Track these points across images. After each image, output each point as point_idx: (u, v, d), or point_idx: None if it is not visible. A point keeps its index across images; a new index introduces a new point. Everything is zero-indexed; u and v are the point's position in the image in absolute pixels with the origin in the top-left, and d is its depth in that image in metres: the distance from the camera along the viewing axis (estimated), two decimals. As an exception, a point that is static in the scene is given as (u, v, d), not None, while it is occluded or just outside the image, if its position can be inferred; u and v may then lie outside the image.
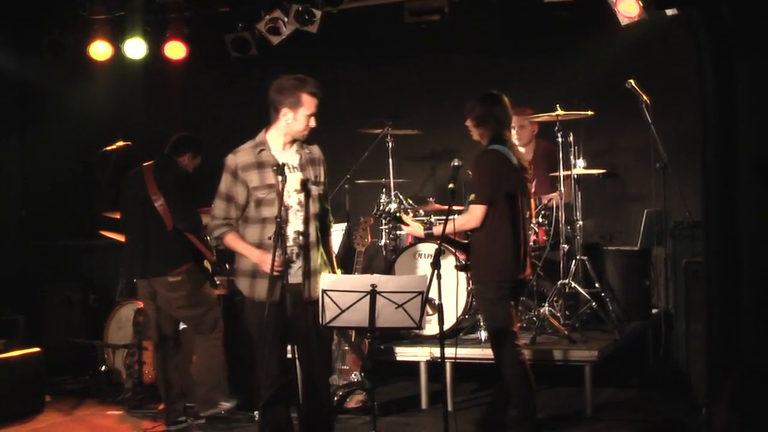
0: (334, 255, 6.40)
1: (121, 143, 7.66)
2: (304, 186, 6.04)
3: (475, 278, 6.70)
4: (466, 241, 6.61)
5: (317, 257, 6.11)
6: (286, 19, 8.85)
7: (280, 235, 5.78)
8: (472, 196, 6.40)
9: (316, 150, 6.22)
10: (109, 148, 7.94)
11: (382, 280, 5.82)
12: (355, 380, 7.48)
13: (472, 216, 6.40)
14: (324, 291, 5.76)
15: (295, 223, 6.02)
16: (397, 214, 7.10)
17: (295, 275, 5.99)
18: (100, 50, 9.14)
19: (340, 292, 5.77)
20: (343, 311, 5.80)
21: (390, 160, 8.81)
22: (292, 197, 6.04)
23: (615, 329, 7.99)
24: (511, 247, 6.39)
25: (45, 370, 8.28)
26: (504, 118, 6.54)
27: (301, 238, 6.00)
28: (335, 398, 7.39)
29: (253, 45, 9.17)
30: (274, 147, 6.08)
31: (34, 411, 8.05)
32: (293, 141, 6.12)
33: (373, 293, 5.76)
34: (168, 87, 9.77)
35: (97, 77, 9.57)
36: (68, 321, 9.48)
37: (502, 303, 6.41)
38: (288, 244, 5.94)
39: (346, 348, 7.54)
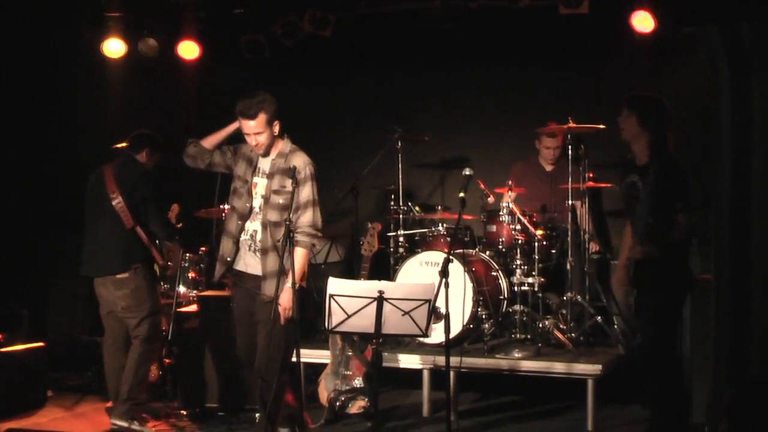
0: (293, 269, 6.27)
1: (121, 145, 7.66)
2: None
3: None
4: None
5: (272, 262, 6.39)
6: (300, 23, 8.84)
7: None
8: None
9: (296, 160, 6.45)
10: (118, 145, 7.92)
11: (389, 287, 5.85)
12: (358, 386, 7.46)
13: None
14: (331, 295, 5.77)
15: (254, 223, 6.51)
16: None
17: (248, 267, 6.54)
18: (113, 48, 9.13)
19: (346, 297, 5.79)
20: (349, 316, 5.82)
21: (399, 166, 8.80)
22: (256, 200, 6.51)
23: (619, 344, 7.96)
24: None
25: (48, 365, 8.29)
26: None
27: (255, 237, 6.50)
28: (337, 403, 7.38)
29: (266, 47, 9.16)
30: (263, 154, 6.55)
31: (35, 406, 8.05)
32: (272, 148, 6.53)
33: (381, 299, 5.77)
34: (179, 86, 9.74)
35: (110, 75, 9.55)
36: (73, 316, 9.45)
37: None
38: (243, 238, 6.52)
39: (350, 354, 7.52)
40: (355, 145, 9.32)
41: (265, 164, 6.55)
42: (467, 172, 6.26)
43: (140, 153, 7.54)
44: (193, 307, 8.29)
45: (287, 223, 6.22)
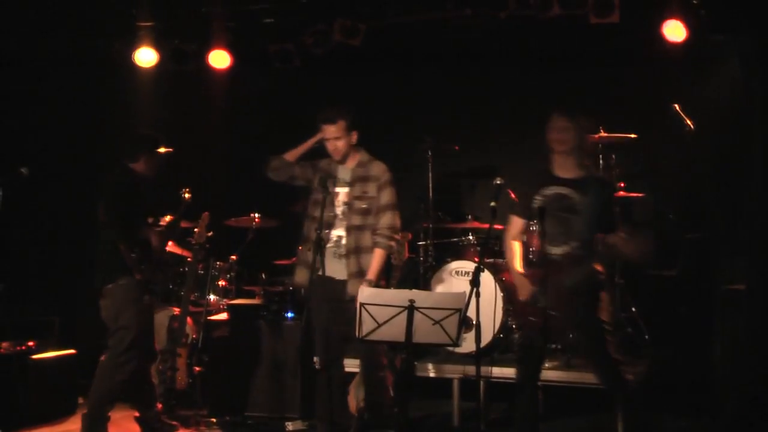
0: (372, 267, 6.80)
1: (163, 149, 7.66)
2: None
3: None
4: None
5: (355, 263, 6.83)
6: (330, 32, 8.86)
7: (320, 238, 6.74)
8: None
9: (375, 169, 6.94)
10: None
11: (420, 296, 5.87)
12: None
13: None
14: (362, 304, 5.79)
15: (338, 230, 6.91)
16: None
17: (335, 273, 6.86)
18: (145, 57, 9.18)
19: (378, 306, 5.80)
20: (380, 325, 5.83)
21: (429, 175, 8.80)
22: (339, 208, 6.93)
23: (649, 355, 7.91)
24: None
25: (78, 372, 8.32)
26: None
27: (340, 242, 6.90)
28: (365, 414, 7.37)
29: (296, 56, 9.18)
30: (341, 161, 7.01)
31: (66, 413, 8.11)
32: (350, 158, 7.00)
33: (411, 308, 5.78)
34: (210, 96, 9.77)
35: (141, 84, 9.59)
36: (102, 324, 9.48)
37: None
38: (329, 245, 6.86)
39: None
40: (385, 155, 9.25)
41: (344, 173, 7.02)
42: (498, 182, 6.26)
43: (136, 160, 7.41)
44: (223, 315, 8.32)
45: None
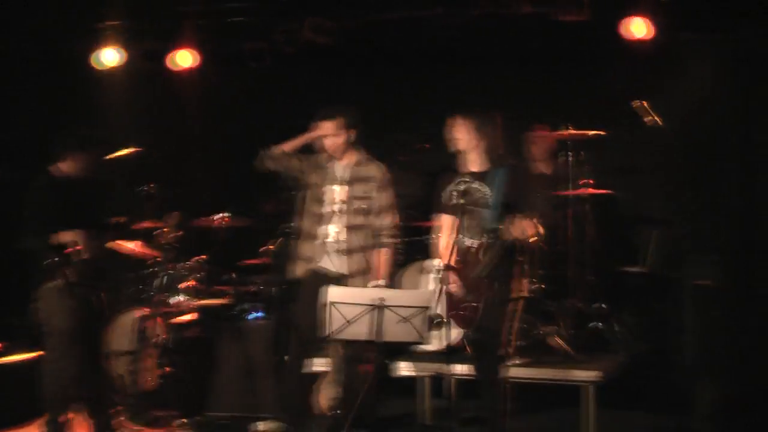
0: (378, 267, 6.92)
1: (130, 149, 7.63)
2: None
3: None
4: None
5: (357, 262, 6.89)
6: (300, 30, 8.82)
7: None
8: None
9: (374, 169, 6.98)
10: (118, 153, 7.91)
11: (389, 294, 5.86)
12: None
13: None
14: (331, 303, 5.77)
15: (336, 227, 6.94)
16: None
17: (334, 266, 6.93)
18: (110, 57, 9.10)
19: (346, 304, 5.79)
20: (349, 323, 5.81)
21: (398, 173, 8.76)
22: (336, 205, 6.95)
23: (621, 350, 7.94)
24: None
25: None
26: None
27: (340, 239, 6.92)
28: (336, 412, 7.35)
29: (268, 55, 9.14)
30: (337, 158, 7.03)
31: (31, 416, 8.00)
32: (347, 156, 7.02)
33: (380, 307, 5.76)
34: (180, 95, 9.71)
35: (107, 84, 9.51)
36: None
37: None
38: (328, 240, 6.93)
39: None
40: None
41: (341, 171, 7.04)
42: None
43: (62, 160, 7.31)
44: (193, 316, 8.27)
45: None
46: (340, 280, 6.84)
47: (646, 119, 7.91)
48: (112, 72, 9.23)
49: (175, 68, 9.20)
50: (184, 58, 9.08)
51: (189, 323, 8.26)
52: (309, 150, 7.12)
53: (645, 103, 7.99)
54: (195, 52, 9.09)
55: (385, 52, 9.60)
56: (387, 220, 6.99)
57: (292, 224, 7.25)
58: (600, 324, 8.05)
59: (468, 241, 6.39)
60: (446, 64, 9.50)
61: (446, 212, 6.60)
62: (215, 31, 9.18)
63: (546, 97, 9.17)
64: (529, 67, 9.27)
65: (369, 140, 9.00)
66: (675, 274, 8.36)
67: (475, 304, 6.25)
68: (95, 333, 7.49)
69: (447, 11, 8.62)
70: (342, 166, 7.06)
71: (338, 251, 6.94)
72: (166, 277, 8.26)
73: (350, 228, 6.94)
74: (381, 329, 5.82)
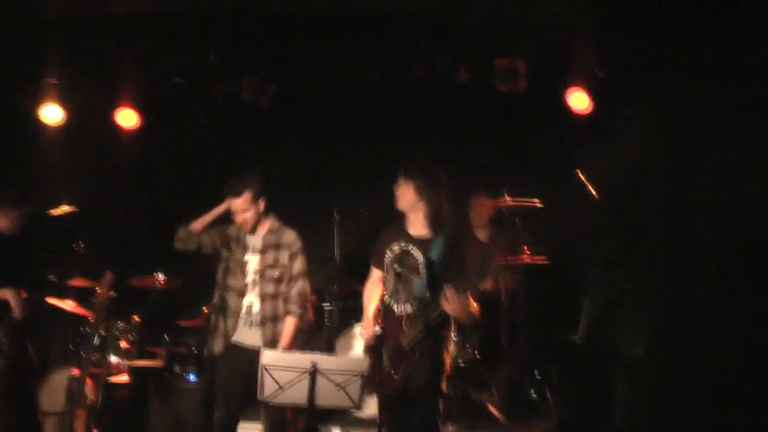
0: (285, 335, 6.78)
1: (66, 208, 7.56)
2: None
3: None
4: None
5: (271, 331, 6.78)
6: (238, 91, 8.85)
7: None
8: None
9: (286, 237, 6.89)
10: (54, 211, 7.84)
11: (322, 359, 5.82)
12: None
13: None
14: (264, 367, 5.73)
15: (249, 297, 6.85)
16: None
17: (246, 340, 6.81)
18: (52, 114, 9.02)
19: (280, 369, 5.75)
20: (282, 388, 5.77)
21: (336, 239, 8.78)
22: (249, 275, 6.86)
23: (552, 417, 7.97)
24: None
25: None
26: None
27: (252, 310, 6.83)
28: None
29: (205, 114, 9.15)
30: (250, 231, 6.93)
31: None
32: (260, 225, 6.92)
33: (314, 372, 5.74)
34: (120, 154, 9.64)
35: (49, 141, 9.41)
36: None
37: None
38: (241, 313, 6.83)
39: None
40: (291, 216, 9.27)
41: (254, 241, 6.94)
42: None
43: None
44: (125, 377, 8.16)
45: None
46: (256, 352, 6.51)
47: (589, 189, 8.02)
48: (53, 128, 9.13)
49: (116, 127, 9.13)
50: (126, 118, 9.03)
51: (121, 384, 8.14)
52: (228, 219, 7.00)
53: (580, 173, 8.11)
54: (136, 112, 9.03)
55: (323, 114, 9.63)
56: (296, 288, 6.85)
57: (212, 298, 7.03)
58: (533, 391, 8.07)
59: (395, 306, 6.28)
60: (383, 128, 9.55)
61: (379, 268, 6.50)
62: (155, 89, 9.15)
63: (486, 164, 9.25)
64: (468, 134, 9.35)
65: (299, 204, 9.09)
66: (607, 343, 8.43)
67: (394, 375, 6.13)
68: (29, 391, 7.36)
69: (385, 77, 8.69)
70: (255, 236, 6.96)
71: (253, 323, 6.84)
72: (98, 338, 8.15)
73: (263, 297, 6.84)
74: (314, 394, 5.77)
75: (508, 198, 8.22)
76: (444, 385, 6.28)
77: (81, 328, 8.27)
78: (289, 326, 6.78)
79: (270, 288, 6.83)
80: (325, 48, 8.59)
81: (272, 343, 6.73)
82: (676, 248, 7.70)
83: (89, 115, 9.16)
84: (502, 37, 8.22)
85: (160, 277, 8.55)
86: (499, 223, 8.55)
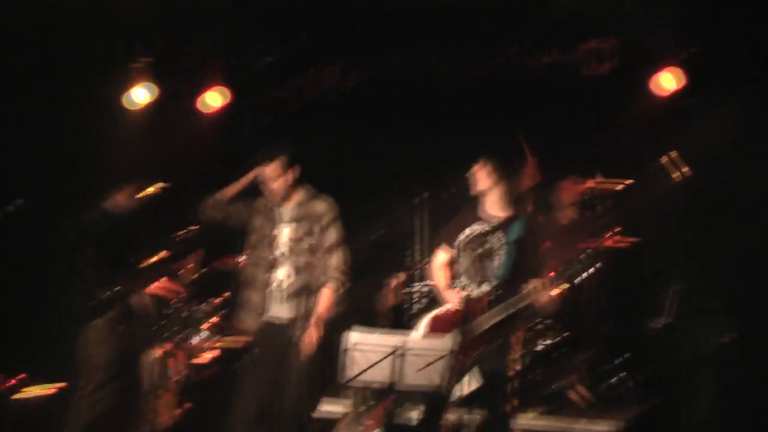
0: (321, 306, 6.54)
1: (156, 187, 7.63)
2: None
3: None
4: None
5: (302, 305, 6.51)
6: (324, 77, 8.86)
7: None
8: None
9: (319, 206, 6.63)
10: (148, 190, 7.93)
11: (408, 340, 5.78)
12: (376, 437, 7.37)
13: None
14: (351, 346, 5.72)
15: (281, 271, 6.59)
16: None
17: (278, 316, 6.57)
18: (140, 96, 9.15)
19: (366, 349, 5.73)
20: (367, 369, 5.75)
21: (420, 220, 8.77)
22: (282, 248, 6.60)
23: (637, 404, 7.89)
24: None
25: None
26: None
27: (283, 285, 6.56)
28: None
29: (295, 98, 9.18)
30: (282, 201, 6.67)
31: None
32: (292, 196, 6.66)
33: (399, 352, 5.71)
34: (206, 136, 9.74)
35: (136, 123, 9.55)
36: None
37: None
38: (272, 288, 6.58)
39: (366, 407, 7.43)
40: (374, 199, 9.27)
41: (285, 212, 6.68)
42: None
43: (110, 197, 7.44)
44: (210, 356, 8.25)
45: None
46: (288, 326, 6.56)
47: (674, 173, 7.90)
48: (142, 110, 9.26)
49: (204, 109, 9.23)
50: (214, 99, 9.11)
51: (205, 364, 8.24)
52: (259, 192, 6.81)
53: (673, 156, 7.98)
54: (224, 93, 9.11)
55: (409, 102, 9.60)
56: (334, 259, 6.59)
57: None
58: (615, 378, 7.98)
59: (469, 288, 6.25)
60: (471, 113, 9.49)
61: (449, 251, 6.41)
62: (244, 72, 9.22)
63: (571, 146, 9.15)
64: (555, 117, 9.25)
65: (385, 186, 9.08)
66: (693, 329, 8.31)
67: (463, 359, 6.06)
68: (134, 369, 7.50)
69: (471, 60, 8.63)
70: (287, 207, 6.70)
71: (284, 297, 6.60)
72: (182, 318, 8.26)
73: (296, 270, 6.59)
74: (401, 375, 5.76)
75: (593, 181, 8.12)
76: (511, 372, 6.25)
77: (165, 309, 8.40)
78: (324, 298, 6.56)
79: (303, 259, 6.60)
80: (410, 34, 8.56)
81: (304, 316, 6.51)
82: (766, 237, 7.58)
83: (178, 97, 9.25)
84: (589, 18, 8.13)
85: (243, 258, 8.59)
86: (583, 205, 8.44)
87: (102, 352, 7.17)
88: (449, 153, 9.60)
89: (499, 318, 6.07)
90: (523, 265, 6.08)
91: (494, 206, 6.32)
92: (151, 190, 7.67)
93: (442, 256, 6.48)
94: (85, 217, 7.34)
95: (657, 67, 8.08)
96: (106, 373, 7.15)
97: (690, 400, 8.02)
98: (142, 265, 7.50)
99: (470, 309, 6.18)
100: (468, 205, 6.47)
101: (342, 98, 9.02)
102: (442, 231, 6.54)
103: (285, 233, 6.65)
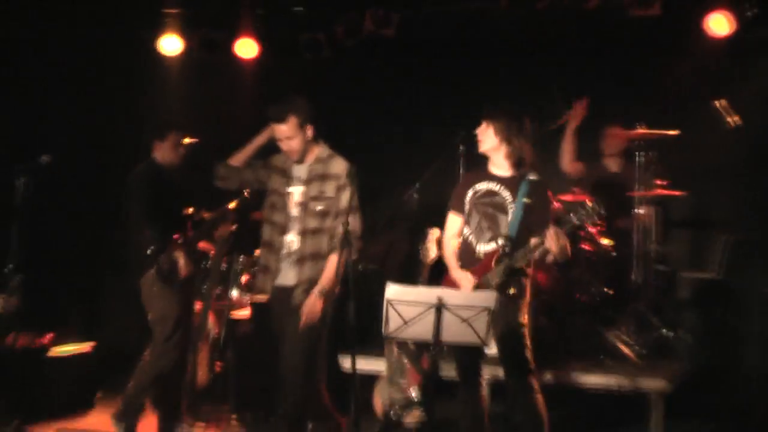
0: (325, 273, 6.33)
1: (188, 140, 7.50)
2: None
3: None
4: None
5: (308, 270, 6.32)
6: (362, 22, 8.69)
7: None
8: None
9: (334, 166, 6.35)
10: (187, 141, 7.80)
11: (449, 294, 5.65)
12: (414, 396, 7.22)
13: None
14: (389, 301, 5.59)
15: (291, 234, 6.40)
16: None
17: (287, 280, 6.38)
18: (170, 45, 9.03)
19: (405, 303, 5.60)
20: (406, 323, 5.63)
21: (461, 170, 8.56)
22: (294, 209, 6.39)
23: (685, 358, 7.70)
24: None
25: (98, 367, 8.27)
26: None
27: (292, 248, 6.38)
28: (392, 413, 7.15)
29: (326, 46, 9.00)
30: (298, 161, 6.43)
31: (84, 407, 8.03)
32: (308, 154, 6.42)
33: (440, 307, 5.57)
34: (237, 85, 9.60)
35: (166, 73, 9.43)
36: (125, 316, 9.31)
37: None
38: (284, 251, 6.39)
39: (406, 362, 7.28)
40: (416, 148, 9.09)
41: (300, 171, 6.45)
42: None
43: (158, 145, 7.36)
44: (247, 312, 8.14)
45: (343, 225, 6.03)
46: (293, 290, 6.36)
47: (725, 119, 7.66)
48: (173, 59, 9.15)
49: (235, 58, 9.08)
50: (246, 48, 8.96)
51: (243, 319, 8.13)
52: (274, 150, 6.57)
53: (725, 102, 7.73)
54: (255, 42, 8.95)
55: (446, 45, 9.39)
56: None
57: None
58: (664, 331, 7.78)
59: (479, 246, 6.16)
60: (510, 58, 9.27)
61: (459, 214, 6.29)
62: (275, 21, 9.06)
63: (620, 93, 8.90)
64: (595, 63, 9.02)
65: (423, 134, 8.88)
66: (743, 281, 8.11)
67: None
68: (187, 323, 7.47)
69: (511, 4, 8.42)
70: (302, 166, 6.45)
71: (290, 262, 6.39)
72: (220, 272, 8.13)
73: (304, 233, 6.36)
74: (440, 330, 5.61)
75: (641, 128, 7.87)
76: (526, 319, 6.12)
77: (203, 263, 8.27)
78: (331, 264, 6.29)
79: (313, 223, 6.35)
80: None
81: (307, 283, 6.29)
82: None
83: (211, 46, 9.12)
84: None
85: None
86: (632, 153, 8.20)
87: (160, 305, 7.15)
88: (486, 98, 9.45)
89: (505, 268, 6.02)
90: (530, 227, 6.02)
91: (501, 166, 6.22)
92: (187, 141, 7.54)
93: (453, 222, 6.35)
94: (140, 172, 7.27)
95: (707, 9, 7.79)
96: (170, 327, 7.15)
97: (742, 352, 7.85)
98: (194, 219, 7.45)
99: (479, 267, 6.13)
100: (472, 167, 6.44)
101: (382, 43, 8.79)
102: (452, 194, 6.38)
103: (296, 193, 6.43)
